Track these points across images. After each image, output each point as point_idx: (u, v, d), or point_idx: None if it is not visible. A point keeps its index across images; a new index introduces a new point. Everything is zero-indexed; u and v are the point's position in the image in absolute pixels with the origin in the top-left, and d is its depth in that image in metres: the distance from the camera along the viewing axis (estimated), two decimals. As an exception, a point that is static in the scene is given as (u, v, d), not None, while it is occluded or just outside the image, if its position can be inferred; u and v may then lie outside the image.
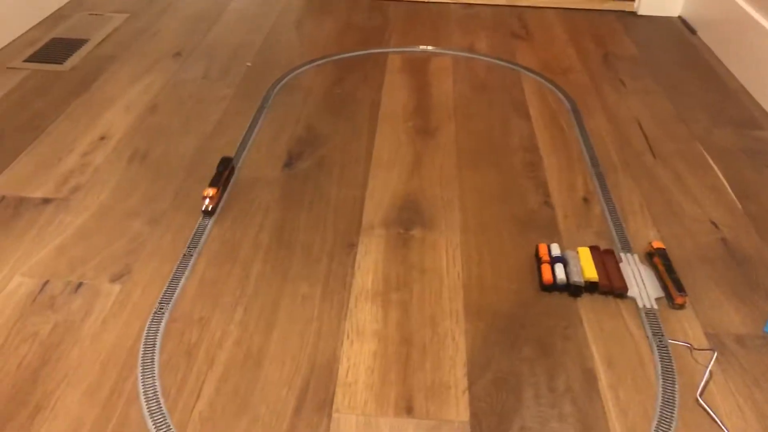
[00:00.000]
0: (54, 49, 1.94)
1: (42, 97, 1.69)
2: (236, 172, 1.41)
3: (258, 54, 1.96)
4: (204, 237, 1.22)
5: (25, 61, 1.87)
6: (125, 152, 1.48)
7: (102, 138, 1.53)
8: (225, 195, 1.34)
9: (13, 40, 1.99)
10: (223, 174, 1.34)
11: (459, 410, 0.92)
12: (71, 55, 1.91)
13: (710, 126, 1.62)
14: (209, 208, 1.27)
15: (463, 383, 0.96)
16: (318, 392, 0.94)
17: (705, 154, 1.51)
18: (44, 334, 1.02)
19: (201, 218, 1.27)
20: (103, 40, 2.01)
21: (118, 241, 1.21)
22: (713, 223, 1.29)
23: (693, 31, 2.16)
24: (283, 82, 1.80)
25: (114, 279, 1.13)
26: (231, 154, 1.47)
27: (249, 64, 1.90)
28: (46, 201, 1.31)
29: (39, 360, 0.98)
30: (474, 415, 0.92)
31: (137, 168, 1.42)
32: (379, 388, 0.95)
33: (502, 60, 1.95)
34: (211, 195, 1.27)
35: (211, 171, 1.37)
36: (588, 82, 1.83)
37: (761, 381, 0.98)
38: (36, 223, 1.25)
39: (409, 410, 0.92)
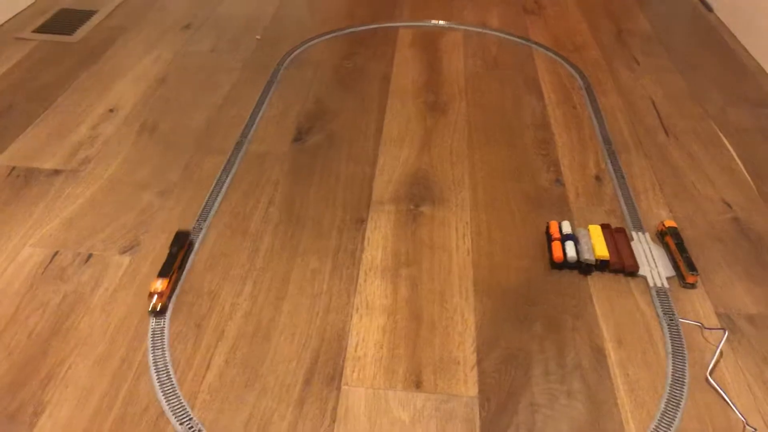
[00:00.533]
0: (63, 20, 1.92)
1: (51, 68, 1.68)
2: (244, 147, 1.40)
3: (268, 27, 1.94)
4: (213, 209, 1.22)
5: (34, 31, 1.85)
6: (135, 124, 1.47)
7: (111, 110, 1.52)
8: (182, 279, 1.07)
9: (22, 11, 1.97)
10: (178, 257, 1.07)
11: (467, 385, 0.92)
12: (80, 26, 1.89)
13: (725, 105, 1.60)
14: (158, 308, 1.00)
15: (472, 359, 0.96)
16: (327, 365, 0.95)
17: (719, 132, 1.49)
18: (54, 305, 1.02)
19: (150, 318, 1.00)
20: (112, 12, 2.00)
21: (127, 213, 1.21)
22: (726, 203, 1.28)
23: (709, 8, 2.13)
24: (293, 55, 1.78)
25: (124, 251, 1.13)
26: (240, 127, 1.46)
27: (258, 37, 1.88)
28: (56, 172, 1.31)
29: (49, 330, 0.98)
30: (482, 391, 0.92)
31: (147, 140, 1.42)
32: (387, 363, 0.95)
33: (514, 36, 1.93)
34: (159, 291, 1.00)
35: (223, 143, 1.37)
36: (601, 59, 1.81)
37: (772, 361, 0.97)
38: (46, 194, 1.25)
39: (418, 384, 0.92)
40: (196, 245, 1.14)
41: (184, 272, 1.08)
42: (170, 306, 1.02)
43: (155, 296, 1.00)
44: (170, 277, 1.04)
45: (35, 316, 1.01)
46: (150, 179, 1.30)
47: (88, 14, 1.96)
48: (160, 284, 1.01)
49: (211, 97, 1.58)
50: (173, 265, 1.05)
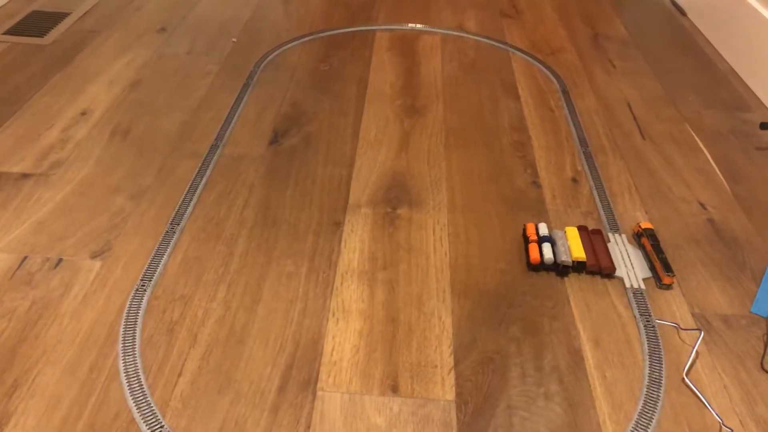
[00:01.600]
0: (34, 22, 1.89)
1: (22, 70, 1.65)
2: (219, 151, 1.38)
3: (244, 30, 1.92)
4: (187, 213, 1.20)
5: (4, 33, 1.82)
6: (107, 127, 1.45)
7: (83, 113, 1.49)
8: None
9: (-8, 13, 1.94)
10: None
11: (445, 389, 0.91)
12: (52, 28, 1.86)
13: (700, 108, 1.62)
14: None
15: (449, 362, 0.95)
16: (302, 370, 0.93)
17: (694, 135, 1.51)
18: (22, 311, 1.00)
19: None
20: (85, 14, 1.97)
21: (99, 217, 1.19)
22: (701, 205, 1.29)
23: (683, 13, 2.15)
24: (269, 58, 1.77)
25: (95, 255, 1.11)
26: (216, 130, 1.44)
27: (234, 40, 1.86)
28: (25, 176, 1.28)
29: (17, 337, 0.96)
30: (459, 395, 0.91)
31: (119, 143, 1.39)
32: (364, 367, 0.94)
33: (491, 39, 1.93)
34: None
35: (198, 146, 1.35)
36: (578, 63, 1.82)
37: (746, 361, 0.98)
38: (14, 198, 1.22)
39: (395, 389, 0.91)
40: (169, 248, 1.12)
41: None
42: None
43: None
44: None
45: (1, 323, 0.98)
46: (122, 183, 1.28)
47: (60, 16, 1.93)
48: None
49: (186, 100, 1.56)
50: None
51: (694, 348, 0.98)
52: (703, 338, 1.00)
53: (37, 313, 1.00)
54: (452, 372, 0.94)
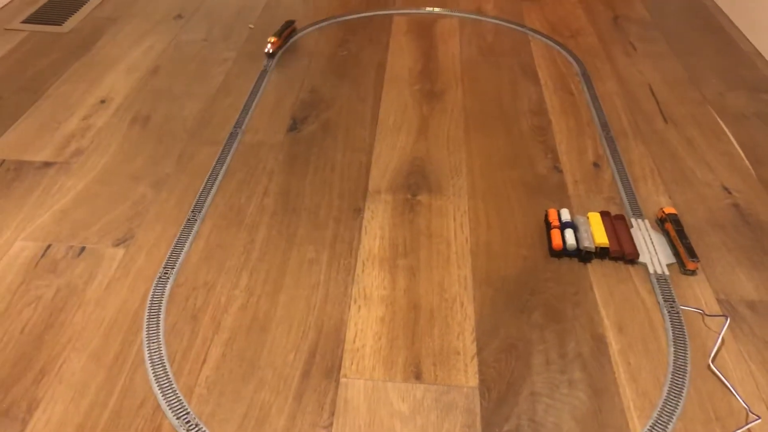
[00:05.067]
0: (52, 10, 1.89)
1: (41, 59, 1.66)
2: (239, 138, 1.38)
3: (261, 16, 1.92)
4: (208, 201, 1.20)
5: (23, 22, 1.83)
6: (127, 115, 1.45)
7: (103, 101, 1.50)
8: (284, 47, 1.69)
9: (11, 1, 1.95)
10: (286, 30, 1.70)
11: (468, 376, 0.91)
12: (70, 16, 1.87)
13: (723, 90, 1.59)
14: (271, 51, 1.62)
15: (472, 349, 0.95)
16: (325, 357, 0.93)
17: (717, 118, 1.48)
18: (48, 299, 1.01)
19: (265, 60, 1.63)
20: (102, 2, 1.97)
21: (121, 205, 1.19)
22: (725, 189, 1.27)
23: (706, -7, 2.11)
24: (287, 44, 1.76)
25: (117, 243, 1.11)
26: (234, 117, 1.44)
27: (252, 26, 1.85)
28: (47, 165, 1.29)
29: (43, 324, 0.97)
30: (483, 381, 0.91)
31: (139, 131, 1.40)
32: (387, 354, 0.94)
33: (510, 22, 1.91)
34: (273, 41, 1.63)
35: (216, 133, 1.35)
36: (598, 45, 1.79)
37: (774, 347, 0.97)
38: (37, 187, 1.23)
39: (418, 375, 0.91)
40: (191, 235, 1.12)
41: (287, 44, 1.69)
42: (276, 56, 1.63)
43: (269, 44, 1.63)
44: (280, 38, 1.66)
45: (28, 310, 0.99)
46: (143, 171, 1.28)
47: (78, 4, 1.94)
48: (273, 38, 1.64)
49: (205, 87, 1.56)
50: (283, 32, 1.69)
51: (720, 334, 0.97)
52: (728, 324, 0.99)
53: (62, 301, 1.01)
54: (475, 359, 0.94)
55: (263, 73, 1.62)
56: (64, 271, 1.06)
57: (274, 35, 1.62)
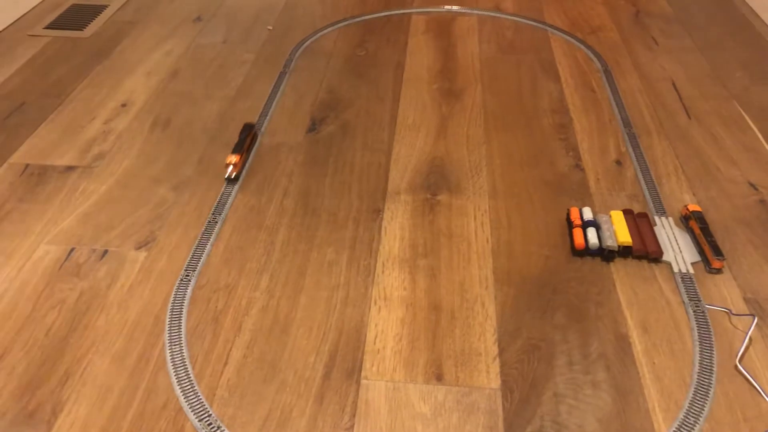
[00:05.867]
0: (74, 16, 1.92)
1: (63, 64, 1.68)
2: (259, 137, 1.39)
3: (279, 17, 1.92)
4: (229, 203, 1.21)
5: (46, 28, 1.85)
6: (148, 118, 1.46)
7: (124, 105, 1.51)
8: (248, 161, 1.32)
9: (33, 7, 1.97)
10: (246, 140, 1.32)
11: (490, 377, 0.91)
12: (91, 21, 1.89)
13: (748, 84, 1.56)
14: (233, 176, 1.25)
15: (494, 350, 0.94)
16: (346, 359, 0.93)
17: (742, 113, 1.46)
18: (71, 302, 1.02)
19: (225, 185, 1.25)
20: (122, 6, 1.99)
21: (142, 208, 1.20)
22: (751, 185, 1.25)
23: (729, -14, 2.07)
24: (305, 45, 1.76)
25: (139, 246, 1.12)
26: (254, 119, 1.45)
27: (270, 27, 1.86)
28: (69, 169, 1.30)
29: (67, 327, 0.98)
30: (505, 382, 0.90)
31: (160, 134, 1.41)
32: (407, 355, 0.94)
33: (529, 19, 1.89)
34: (234, 162, 1.25)
35: (235, 136, 1.35)
36: (619, 41, 1.77)
37: (803, 347, 0.95)
38: (60, 191, 1.25)
39: (439, 377, 0.91)
40: (212, 238, 1.13)
41: (251, 155, 1.33)
42: (241, 177, 1.28)
43: (231, 166, 1.25)
44: (241, 154, 1.28)
45: (52, 313, 1.00)
46: (164, 174, 1.29)
47: (99, 9, 1.96)
48: (234, 158, 1.26)
49: (224, 90, 1.57)
50: (244, 146, 1.30)
51: (747, 334, 0.96)
52: (756, 323, 0.97)
53: (86, 304, 1.02)
54: (497, 360, 0.93)
55: (282, 74, 1.62)
56: (87, 274, 1.07)
57: (234, 152, 1.28)
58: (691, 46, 1.74)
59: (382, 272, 1.07)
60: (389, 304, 1.02)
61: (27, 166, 1.31)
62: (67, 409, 0.87)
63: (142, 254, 1.11)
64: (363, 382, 0.90)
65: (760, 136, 1.38)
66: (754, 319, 0.98)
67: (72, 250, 1.11)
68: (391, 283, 1.05)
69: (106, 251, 1.11)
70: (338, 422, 0.85)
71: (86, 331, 0.97)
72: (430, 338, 0.96)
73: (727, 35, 1.79)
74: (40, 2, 2.01)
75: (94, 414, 0.86)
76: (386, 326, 0.98)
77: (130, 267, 1.08)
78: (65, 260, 1.09)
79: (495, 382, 0.90)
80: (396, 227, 1.16)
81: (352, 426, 0.85)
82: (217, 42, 1.79)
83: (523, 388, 0.89)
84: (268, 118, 1.46)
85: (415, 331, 0.98)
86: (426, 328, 0.98)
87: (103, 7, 1.97)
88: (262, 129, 1.42)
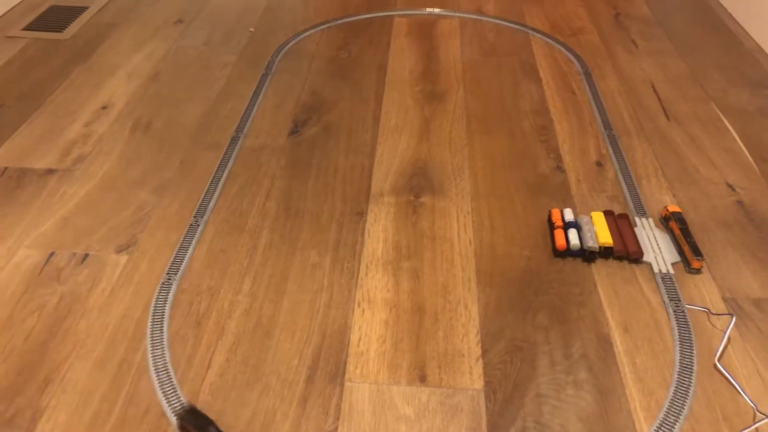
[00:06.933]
0: (53, 17, 1.90)
1: (42, 66, 1.66)
2: (241, 139, 1.38)
3: (261, 19, 1.91)
4: (211, 206, 1.20)
5: (24, 29, 1.83)
6: (128, 121, 1.45)
7: (104, 107, 1.50)
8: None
9: (11, 8, 1.95)
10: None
11: (473, 378, 0.91)
12: (71, 22, 1.87)
13: (726, 86, 1.58)
14: None
15: (477, 351, 0.95)
16: (329, 362, 0.93)
17: (720, 115, 1.47)
18: (51, 306, 1.01)
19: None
20: (102, 7, 1.97)
21: (123, 212, 1.19)
22: (730, 186, 1.26)
23: (707, -11, 2.10)
24: (288, 47, 1.76)
25: (120, 250, 1.11)
26: (236, 121, 1.44)
27: (252, 29, 1.85)
28: (49, 172, 1.29)
29: (47, 332, 0.97)
30: (488, 383, 0.90)
31: (141, 137, 1.40)
32: (391, 357, 0.94)
33: (510, 22, 1.90)
34: None
35: (218, 138, 1.35)
36: (599, 44, 1.79)
37: (780, 345, 0.96)
38: (40, 194, 1.23)
39: (423, 378, 0.91)
40: (194, 241, 1.12)
41: None
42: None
43: None
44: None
45: (32, 318, 0.99)
46: (145, 177, 1.28)
47: (78, 11, 1.94)
48: None
49: (206, 92, 1.56)
50: None
51: (726, 333, 0.97)
52: (734, 323, 0.99)
53: (66, 308, 1.01)
54: (480, 361, 0.93)
55: (264, 76, 1.62)
56: (68, 278, 1.06)
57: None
58: (670, 49, 1.76)
59: (366, 274, 1.07)
60: (373, 306, 1.02)
61: (6, 169, 1.30)
62: (47, 415, 0.86)
63: (123, 258, 1.10)
64: (347, 384, 0.90)
65: (737, 137, 1.40)
66: (732, 318, 0.99)
67: (52, 254, 1.10)
68: (375, 285, 1.05)
69: (86, 255, 1.10)
70: (322, 425, 0.85)
71: (66, 336, 0.96)
72: (414, 340, 0.97)
73: (705, 39, 1.81)
74: (19, 3, 1.98)
75: (75, 420, 0.85)
76: (370, 328, 0.98)
77: (111, 271, 1.07)
78: (45, 264, 1.08)
79: (478, 383, 0.90)
80: (379, 229, 1.16)
81: (336, 429, 0.85)
82: (198, 44, 1.78)
83: (506, 389, 0.90)
84: (250, 120, 1.45)
85: (398, 333, 0.98)
86: (409, 330, 0.98)
87: (83, 9, 1.95)
88: (244, 131, 1.41)
